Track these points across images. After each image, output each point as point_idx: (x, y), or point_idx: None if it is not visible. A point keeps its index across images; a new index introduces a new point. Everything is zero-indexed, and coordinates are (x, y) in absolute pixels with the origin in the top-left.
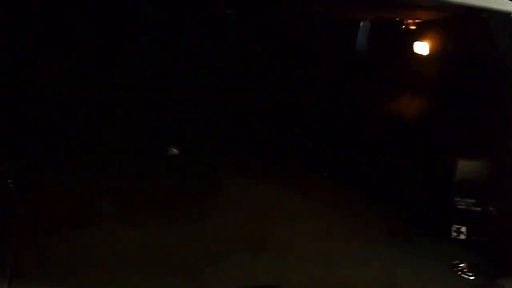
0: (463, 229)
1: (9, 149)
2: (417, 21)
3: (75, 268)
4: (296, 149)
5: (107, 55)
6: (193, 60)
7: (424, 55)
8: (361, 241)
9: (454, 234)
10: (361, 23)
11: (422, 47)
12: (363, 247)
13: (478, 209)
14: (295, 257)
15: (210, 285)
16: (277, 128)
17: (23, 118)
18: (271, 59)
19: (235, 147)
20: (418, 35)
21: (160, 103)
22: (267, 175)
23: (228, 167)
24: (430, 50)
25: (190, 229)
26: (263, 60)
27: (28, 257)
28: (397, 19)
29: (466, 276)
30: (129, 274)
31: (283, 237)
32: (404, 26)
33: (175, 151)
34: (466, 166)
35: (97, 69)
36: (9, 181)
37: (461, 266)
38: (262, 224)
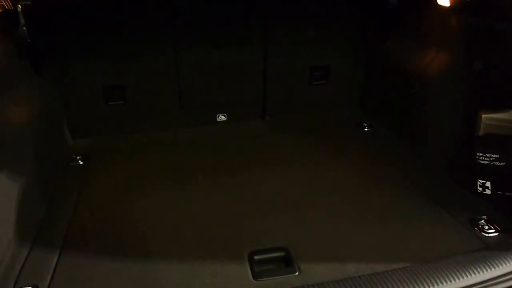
0: (488, 183)
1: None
2: None
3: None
4: None
5: None
6: None
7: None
8: (380, 194)
9: (480, 189)
10: None
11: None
12: (381, 200)
13: (502, 163)
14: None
15: None
16: None
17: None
18: None
19: None
20: None
21: None
22: None
23: None
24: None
25: None
26: None
27: (81, 227)
28: None
29: (484, 233)
30: None
31: None
32: None
33: None
34: (489, 120)
35: None
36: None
37: (481, 223)
38: None
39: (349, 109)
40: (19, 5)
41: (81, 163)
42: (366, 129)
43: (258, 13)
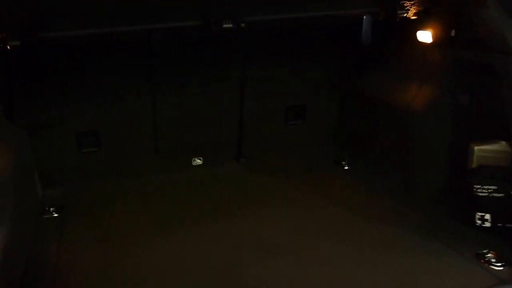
0: (488, 216)
1: None
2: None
3: None
4: None
5: None
6: None
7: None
8: (375, 231)
9: (479, 222)
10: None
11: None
12: (378, 237)
13: (501, 195)
14: None
15: None
16: None
17: None
18: None
19: None
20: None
21: None
22: None
23: None
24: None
25: None
26: None
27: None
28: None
29: (493, 267)
30: None
31: None
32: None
33: None
34: (481, 152)
35: None
36: None
37: (487, 256)
38: None
39: (326, 147)
40: (9, 46)
41: (55, 215)
42: (346, 167)
43: (236, 53)
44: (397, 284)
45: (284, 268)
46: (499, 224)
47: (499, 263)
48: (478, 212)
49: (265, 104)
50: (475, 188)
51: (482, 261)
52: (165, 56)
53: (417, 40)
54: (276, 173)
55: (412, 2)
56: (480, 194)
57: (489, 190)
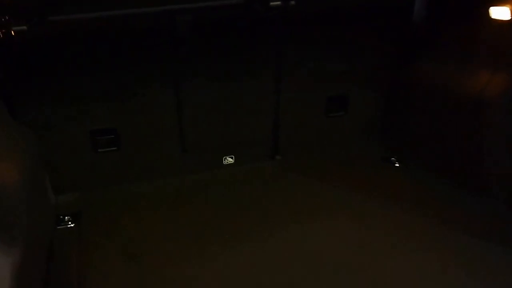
0: None
1: None
2: None
3: None
4: None
5: None
6: None
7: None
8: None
9: None
10: None
11: None
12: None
13: None
14: None
15: None
16: None
17: None
18: None
19: None
20: None
21: None
22: None
23: None
24: None
25: None
26: None
27: None
28: None
29: None
30: None
31: None
32: None
33: None
34: None
35: None
36: None
37: None
38: None
39: (369, 142)
40: (13, 31)
41: (71, 225)
42: (396, 164)
43: (271, 40)
44: None
45: None
46: None
47: None
48: None
49: (303, 94)
50: None
51: None
52: (190, 44)
53: (490, 17)
54: (319, 173)
55: None
56: None
57: None
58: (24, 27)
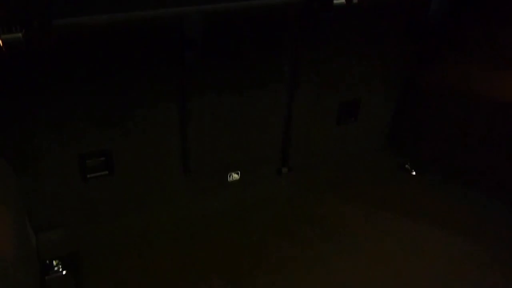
0: None
1: None
2: None
3: None
4: None
5: None
6: None
7: None
8: None
9: None
10: None
11: None
12: None
13: None
14: None
15: None
16: None
17: None
18: None
19: None
20: None
21: None
22: None
23: None
24: None
25: None
26: None
27: None
28: None
29: None
30: None
31: None
32: None
33: None
34: None
35: None
36: None
37: None
38: None
39: (383, 150)
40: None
41: (62, 272)
42: (413, 173)
43: (284, 45)
44: None
45: None
46: None
47: None
48: None
49: (314, 101)
50: None
51: None
52: (197, 51)
53: None
54: (337, 187)
55: None
56: None
57: None
58: (19, 35)
